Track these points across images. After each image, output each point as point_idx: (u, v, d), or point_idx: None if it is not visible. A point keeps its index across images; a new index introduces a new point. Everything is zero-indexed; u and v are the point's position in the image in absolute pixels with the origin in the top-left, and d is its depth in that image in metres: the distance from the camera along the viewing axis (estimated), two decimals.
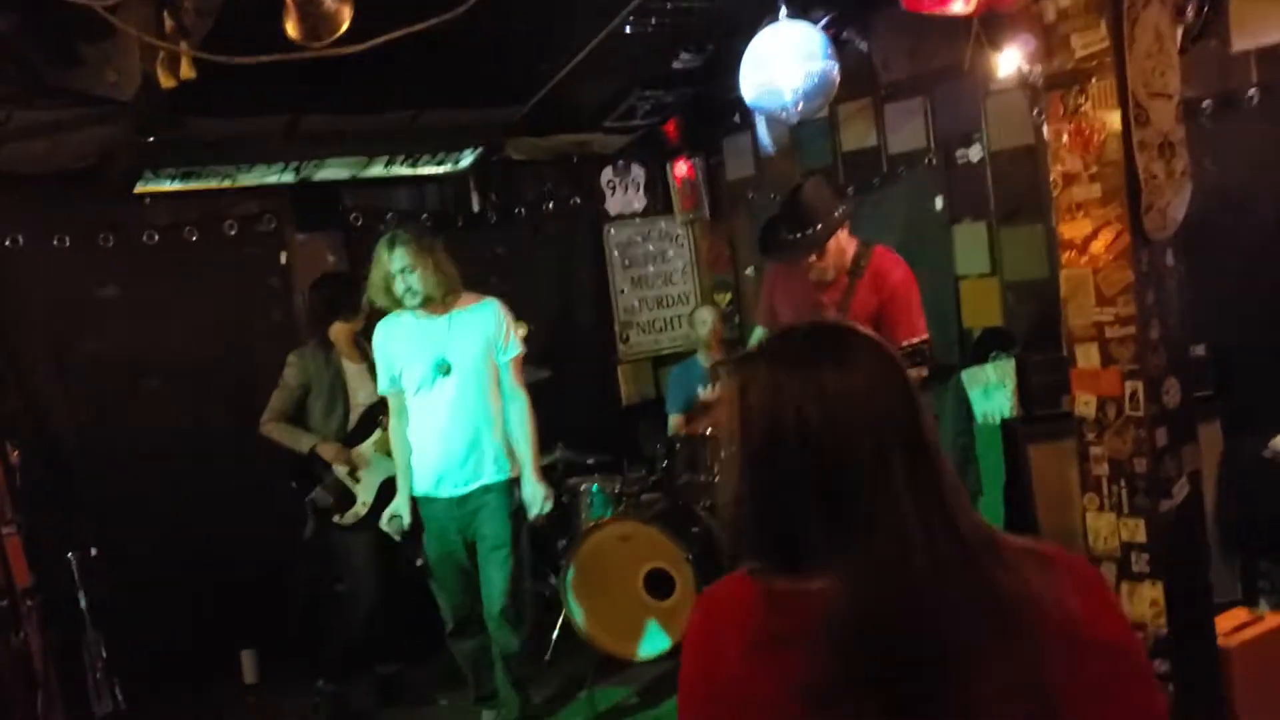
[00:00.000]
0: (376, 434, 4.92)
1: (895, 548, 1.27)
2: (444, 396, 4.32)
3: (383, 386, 4.47)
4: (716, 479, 5.09)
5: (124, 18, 2.78)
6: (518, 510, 4.43)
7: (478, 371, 4.36)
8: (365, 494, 4.87)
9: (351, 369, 4.97)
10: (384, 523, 4.49)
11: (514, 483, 4.43)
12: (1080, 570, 1.41)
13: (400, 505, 4.46)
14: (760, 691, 1.30)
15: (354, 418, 4.94)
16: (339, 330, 4.98)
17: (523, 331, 5.40)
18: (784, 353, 1.40)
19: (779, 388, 1.34)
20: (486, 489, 4.37)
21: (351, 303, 4.90)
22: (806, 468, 1.31)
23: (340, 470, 4.86)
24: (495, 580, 4.35)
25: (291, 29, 2.85)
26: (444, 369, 4.31)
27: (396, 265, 4.22)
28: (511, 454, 4.41)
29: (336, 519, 4.85)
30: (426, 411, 4.36)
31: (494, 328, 4.44)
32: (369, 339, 5.03)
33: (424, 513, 4.44)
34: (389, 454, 4.97)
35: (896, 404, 1.34)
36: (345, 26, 2.87)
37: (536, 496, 4.42)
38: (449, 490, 4.37)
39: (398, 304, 4.31)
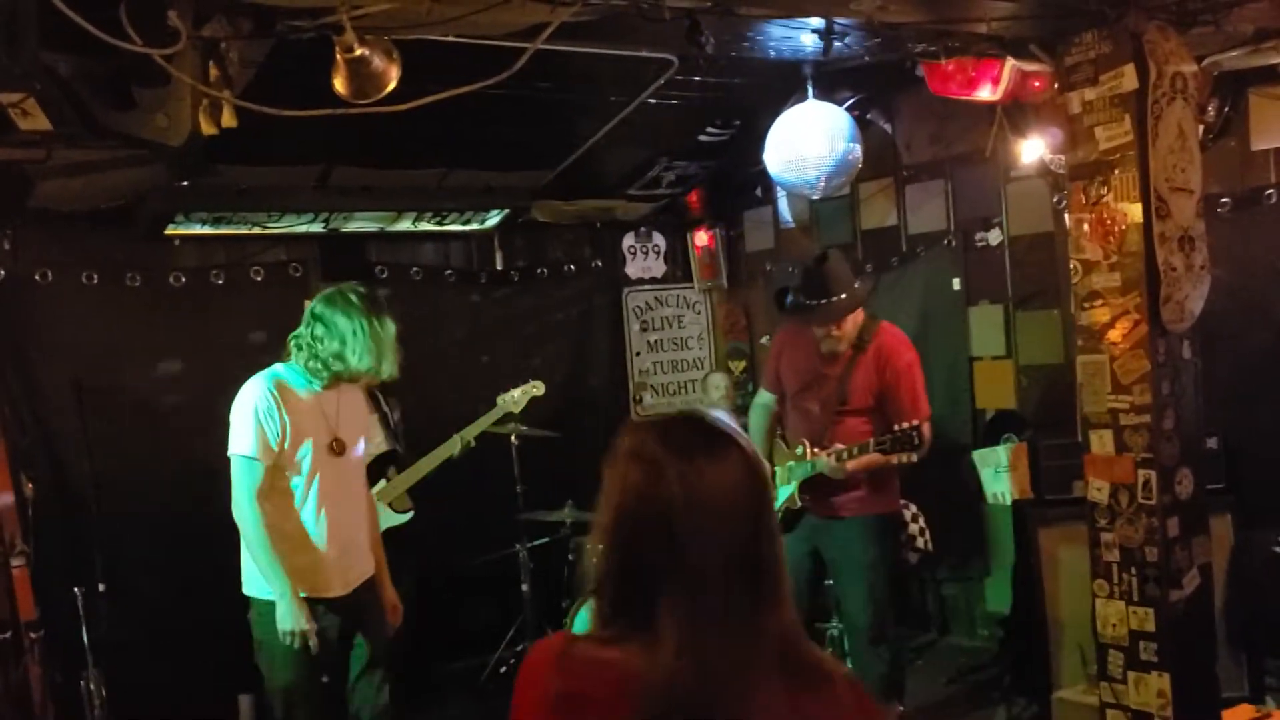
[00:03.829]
0: (381, 484, 4.94)
1: (691, 643, 1.36)
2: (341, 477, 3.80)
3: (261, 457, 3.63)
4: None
5: (178, 65, 2.86)
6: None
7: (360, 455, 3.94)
8: None
9: None
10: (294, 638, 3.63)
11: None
12: (857, 699, 1.48)
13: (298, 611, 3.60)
14: None
15: None
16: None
17: (538, 391, 5.45)
18: (673, 435, 1.48)
19: (660, 464, 1.43)
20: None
21: None
22: (662, 545, 1.39)
23: None
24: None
25: (340, 85, 2.93)
26: (337, 448, 3.77)
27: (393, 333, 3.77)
28: None
29: None
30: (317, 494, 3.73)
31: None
32: (382, 390, 5.05)
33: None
34: (391, 505, 4.98)
35: (743, 511, 1.43)
36: (392, 86, 2.95)
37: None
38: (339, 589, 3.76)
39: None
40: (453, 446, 5.16)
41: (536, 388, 5.44)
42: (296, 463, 3.67)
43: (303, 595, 3.61)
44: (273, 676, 3.70)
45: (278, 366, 3.74)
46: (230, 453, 3.64)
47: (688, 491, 1.40)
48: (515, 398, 5.37)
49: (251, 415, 3.60)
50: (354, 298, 3.67)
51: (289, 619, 3.56)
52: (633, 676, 1.37)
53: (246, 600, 3.75)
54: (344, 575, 3.76)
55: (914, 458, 4.11)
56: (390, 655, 3.93)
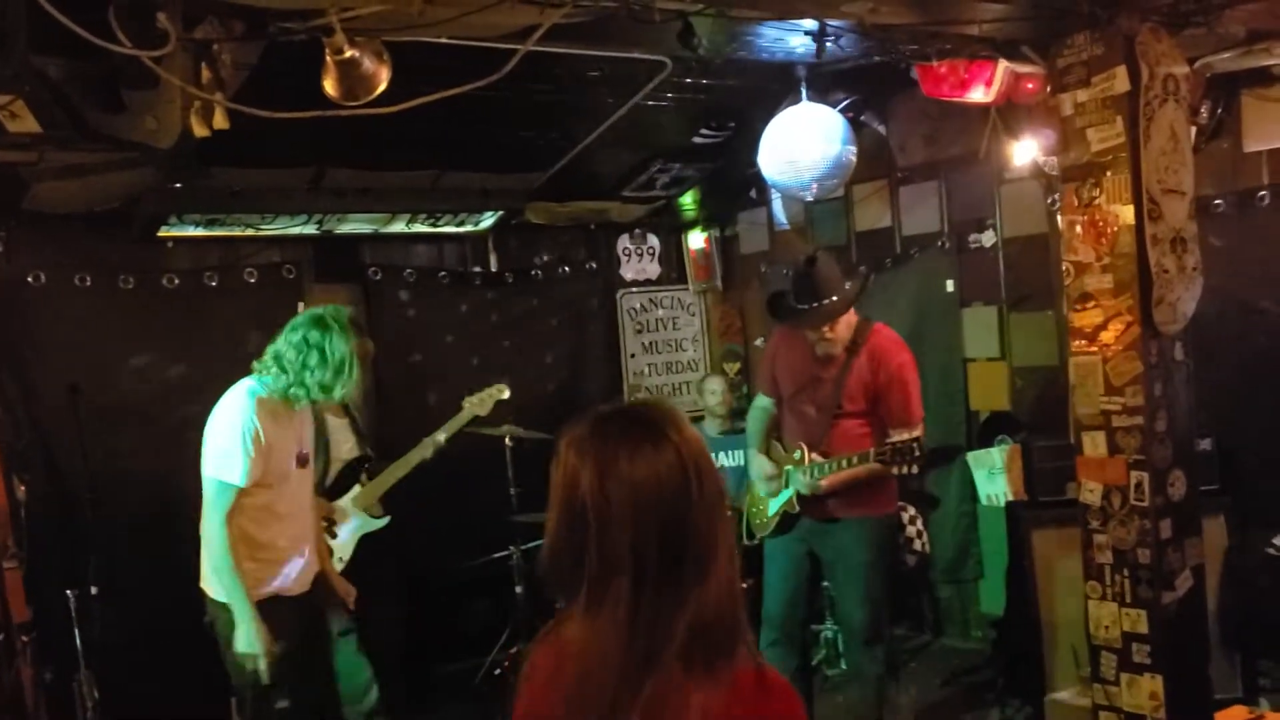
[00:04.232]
0: (356, 489, 4.95)
1: (619, 624, 1.47)
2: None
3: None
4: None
5: (167, 68, 2.86)
6: None
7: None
8: (343, 550, 4.86)
9: (335, 423, 4.98)
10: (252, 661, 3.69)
11: None
12: (761, 692, 1.53)
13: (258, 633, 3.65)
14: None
15: (334, 471, 4.95)
16: None
17: (503, 394, 5.45)
18: (599, 429, 1.56)
19: (583, 457, 1.53)
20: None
21: None
22: (584, 531, 1.50)
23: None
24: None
25: (330, 87, 2.93)
26: (303, 461, 3.88)
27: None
28: None
29: None
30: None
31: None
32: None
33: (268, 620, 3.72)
34: (368, 509, 4.98)
35: (668, 498, 1.49)
36: (382, 88, 2.95)
37: None
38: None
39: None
40: (425, 450, 5.15)
41: (501, 391, 5.44)
42: (273, 478, 3.70)
43: (272, 594, 3.73)
44: (244, 674, 3.72)
45: (254, 384, 3.70)
46: (208, 475, 3.62)
47: (602, 480, 1.49)
48: (479, 400, 5.37)
49: (238, 441, 3.58)
50: (345, 324, 3.68)
51: (250, 642, 3.60)
52: (567, 653, 1.54)
53: (210, 604, 3.75)
54: (305, 575, 3.90)
55: (914, 470, 4.10)
56: (356, 621, 4.24)
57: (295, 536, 3.83)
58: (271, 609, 3.70)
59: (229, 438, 3.60)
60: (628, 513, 1.48)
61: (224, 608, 3.66)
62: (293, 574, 3.83)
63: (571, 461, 1.54)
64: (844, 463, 4.16)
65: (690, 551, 1.49)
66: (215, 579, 3.67)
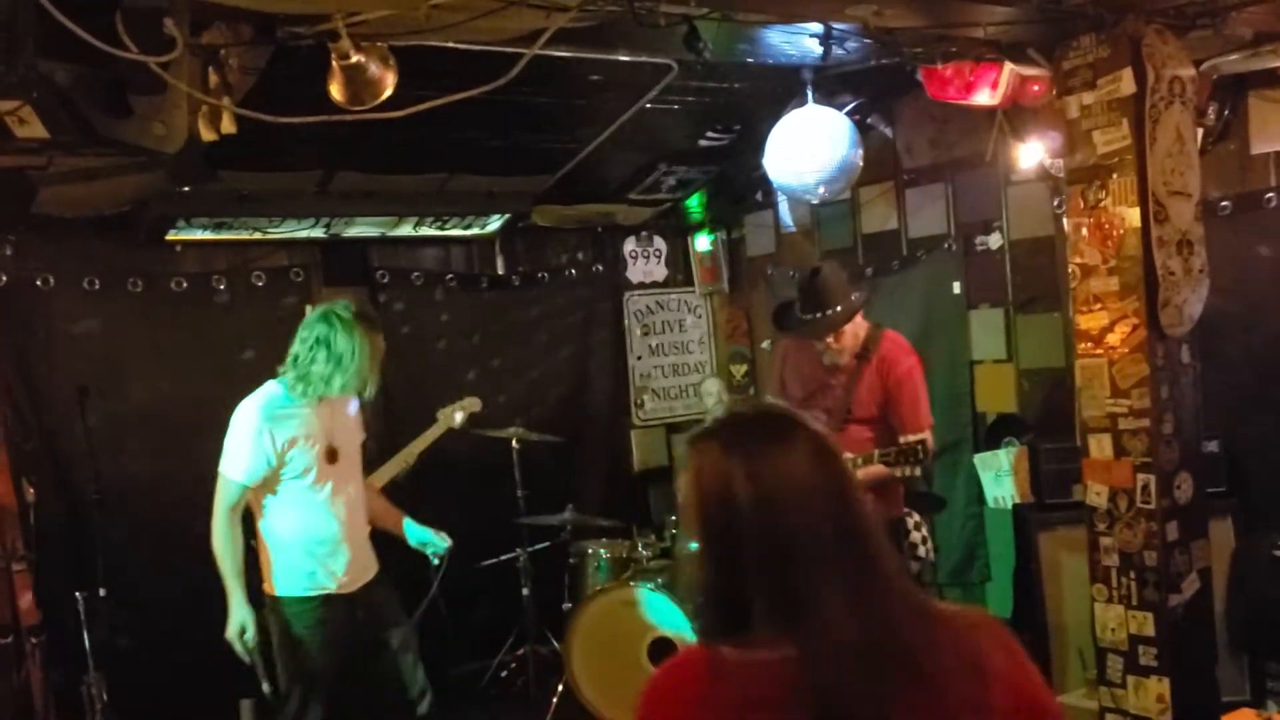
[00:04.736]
0: None
1: (831, 622, 1.39)
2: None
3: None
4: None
5: (174, 73, 2.87)
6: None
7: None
8: None
9: None
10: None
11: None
12: (998, 632, 1.53)
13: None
14: None
15: None
16: None
17: (475, 407, 5.45)
18: (733, 435, 1.51)
19: (728, 469, 1.46)
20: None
21: None
22: (750, 545, 1.43)
23: None
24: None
25: (336, 92, 2.95)
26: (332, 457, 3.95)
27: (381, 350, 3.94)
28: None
29: None
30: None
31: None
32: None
33: (320, 615, 3.91)
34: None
35: (831, 488, 1.47)
36: (388, 93, 2.96)
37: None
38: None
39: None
40: (395, 468, 5.17)
41: (473, 404, 5.45)
42: (301, 475, 3.84)
43: (321, 590, 3.86)
44: (293, 667, 3.87)
45: (275, 385, 3.86)
46: (220, 469, 3.84)
47: (756, 487, 1.43)
48: (451, 412, 5.39)
49: (248, 440, 3.77)
50: (350, 319, 3.79)
51: (233, 623, 3.82)
52: (798, 672, 1.38)
53: (265, 599, 3.94)
54: (354, 573, 3.98)
55: (918, 472, 4.10)
56: (414, 638, 4.19)
57: (336, 532, 3.91)
58: (322, 608, 3.87)
59: (239, 436, 3.80)
60: (793, 510, 1.44)
61: (282, 603, 3.87)
62: (339, 571, 3.92)
63: (711, 479, 1.48)
64: (850, 464, 4.17)
65: (865, 529, 1.47)
66: (277, 562, 3.88)
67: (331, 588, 3.89)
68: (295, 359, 3.80)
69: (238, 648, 3.85)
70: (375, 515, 4.19)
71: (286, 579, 3.88)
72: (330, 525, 3.91)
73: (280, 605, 3.88)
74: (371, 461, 5.17)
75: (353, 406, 4.07)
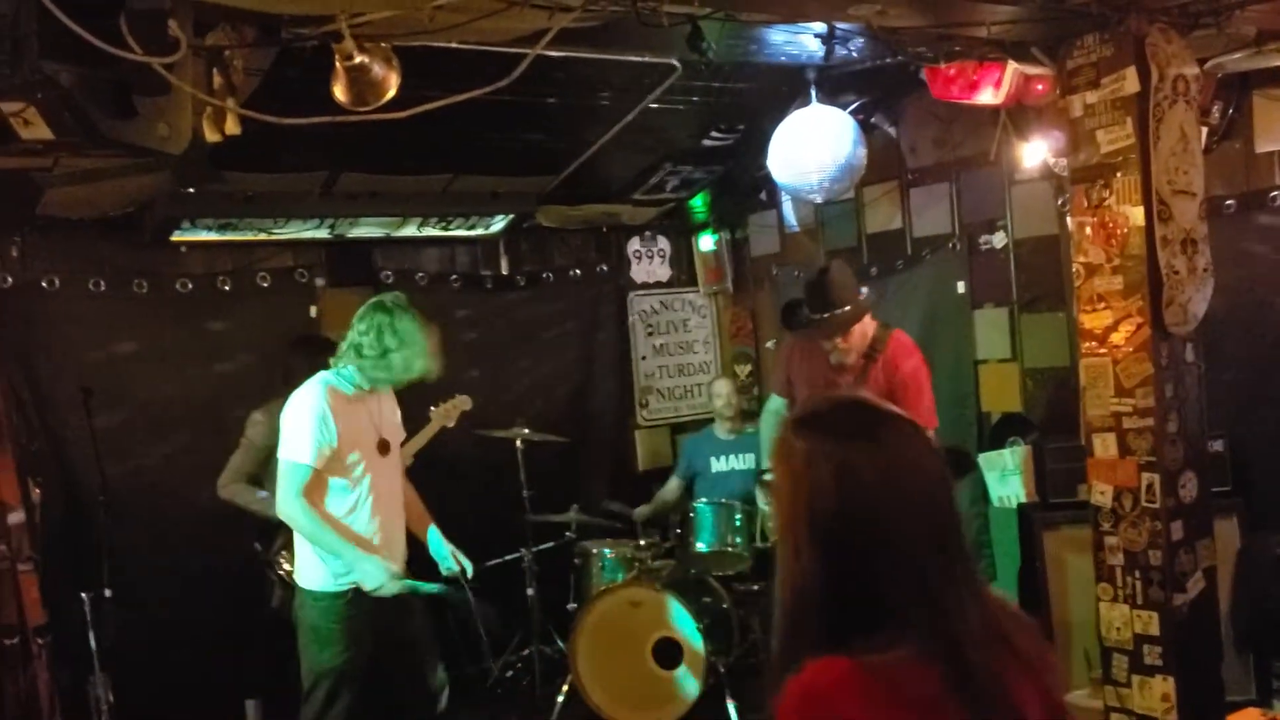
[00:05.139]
0: None
1: (960, 613, 1.37)
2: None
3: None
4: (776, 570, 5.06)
5: (178, 74, 2.88)
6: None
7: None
8: None
9: None
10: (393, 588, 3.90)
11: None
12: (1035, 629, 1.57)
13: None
14: None
15: None
16: None
17: (465, 405, 5.44)
18: (849, 425, 1.44)
19: (850, 458, 1.39)
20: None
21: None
22: (878, 539, 1.37)
23: None
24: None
25: (339, 93, 2.95)
26: (383, 449, 4.01)
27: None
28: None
29: None
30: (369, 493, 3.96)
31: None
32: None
33: (351, 611, 3.90)
34: None
35: (944, 476, 1.45)
36: (392, 94, 2.97)
37: None
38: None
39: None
40: None
41: (465, 402, 5.44)
42: (349, 466, 3.86)
43: (352, 585, 3.83)
44: (321, 661, 3.88)
45: (330, 375, 3.88)
46: (282, 456, 3.82)
47: (884, 478, 1.38)
48: (445, 411, 5.37)
49: (308, 422, 3.77)
50: (403, 304, 3.87)
51: (379, 575, 3.80)
52: (945, 666, 1.34)
53: (298, 592, 3.97)
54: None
55: None
56: (436, 647, 4.26)
57: (380, 524, 3.92)
58: (351, 603, 3.85)
59: (297, 419, 3.80)
60: (919, 499, 1.39)
61: (311, 597, 3.87)
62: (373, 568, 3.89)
63: (830, 474, 1.39)
64: None
65: (959, 521, 1.46)
66: (306, 554, 3.87)
67: (357, 582, 3.86)
68: (358, 348, 3.80)
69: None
70: (408, 515, 4.19)
71: (317, 573, 3.87)
72: (368, 521, 3.91)
73: (309, 599, 3.89)
74: None
75: (394, 405, 4.12)
